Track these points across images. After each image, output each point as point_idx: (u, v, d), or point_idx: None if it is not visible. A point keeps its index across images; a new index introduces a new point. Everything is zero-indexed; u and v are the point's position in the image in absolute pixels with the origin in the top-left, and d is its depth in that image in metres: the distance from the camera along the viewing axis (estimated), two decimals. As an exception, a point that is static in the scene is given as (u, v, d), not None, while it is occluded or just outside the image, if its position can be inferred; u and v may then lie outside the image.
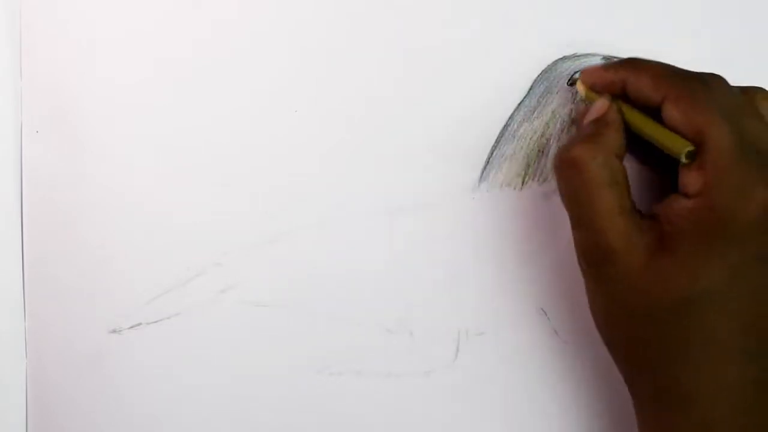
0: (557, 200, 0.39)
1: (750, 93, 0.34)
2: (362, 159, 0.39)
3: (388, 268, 0.39)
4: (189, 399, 0.39)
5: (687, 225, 0.32)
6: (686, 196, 0.33)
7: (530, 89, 0.39)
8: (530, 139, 0.39)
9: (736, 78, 0.39)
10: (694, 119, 0.32)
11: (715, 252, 0.32)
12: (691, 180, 0.32)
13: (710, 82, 0.34)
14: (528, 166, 0.39)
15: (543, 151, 0.39)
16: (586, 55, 0.39)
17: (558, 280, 0.39)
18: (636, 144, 0.35)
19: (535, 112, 0.39)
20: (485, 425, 0.39)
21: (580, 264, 0.35)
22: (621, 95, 0.35)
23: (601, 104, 0.35)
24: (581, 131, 0.35)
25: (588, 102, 0.36)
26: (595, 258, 0.34)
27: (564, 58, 0.39)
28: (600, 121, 0.35)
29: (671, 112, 0.33)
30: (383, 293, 0.39)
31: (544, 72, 0.39)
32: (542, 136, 0.39)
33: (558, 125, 0.39)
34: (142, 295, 0.39)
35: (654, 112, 0.34)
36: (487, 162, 0.39)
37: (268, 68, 0.39)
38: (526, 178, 0.39)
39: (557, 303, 0.39)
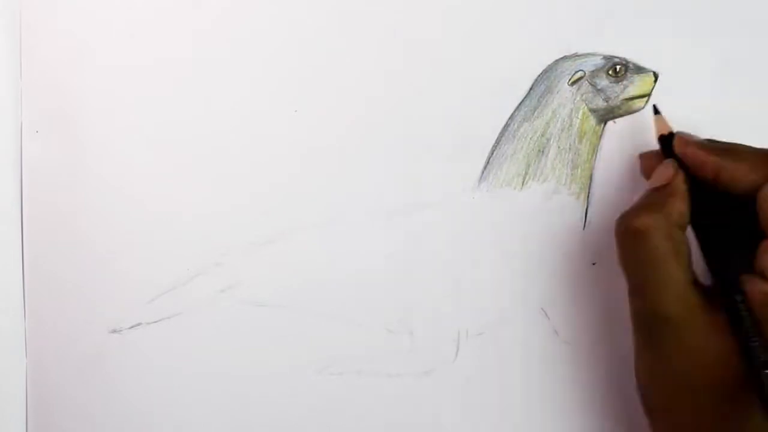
0: (557, 200, 0.39)
1: None
2: (362, 159, 0.39)
3: (388, 269, 0.39)
4: (189, 399, 0.39)
5: (764, 310, 0.31)
6: (764, 278, 0.32)
7: (530, 89, 0.39)
8: (530, 138, 0.39)
9: (735, 78, 0.39)
10: None
11: None
12: None
13: None
14: (528, 165, 0.39)
15: (543, 151, 0.39)
16: (586, 55, 0.39)
17: (558, 280, 0.39)
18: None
19: (536, 112, 0.39)
20: (485, 425, 0.39)
21: (636, 331, 0.34)
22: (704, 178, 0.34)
23: (667, 170, 0.35)
24: (646, 198, 0.35)
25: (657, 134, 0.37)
26: (656, 328, 0.33)
27: (564, 58, 0.39)
28: (666, 190, 0.34)
29: None
30: (383, 293, 0.39)
31: (545, 72, 0.39)
32: (542, 135, 0.39)
33: (558, 125, 0.39)
34: (142, 295, 0.39)
35: (744, 197, 0.33)
36: (487, 162, 0.39)
37: (268, 68, 0.39)
38: (526, 178, 0.39)
39: (557, 303, 0.39)
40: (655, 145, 0.37)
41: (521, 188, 0.39)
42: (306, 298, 0.39)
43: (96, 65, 0.39)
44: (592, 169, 0.39)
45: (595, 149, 0.39)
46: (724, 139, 0.35)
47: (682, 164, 0.35)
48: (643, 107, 0.38)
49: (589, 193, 0.39)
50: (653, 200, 0.34)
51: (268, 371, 0.39)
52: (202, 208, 0.39)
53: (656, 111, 0.37)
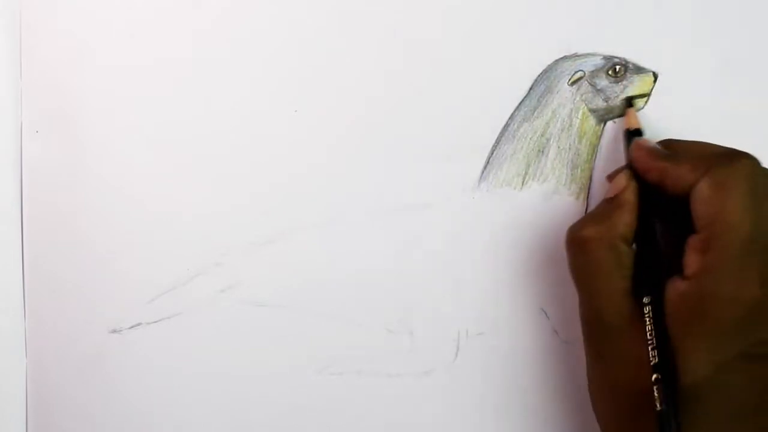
0: (557, 200, 0.39)
1: None
2: (362, 159, 0.39)
3: (388, 268, 0.39)
4: (189, 399, 0.39)
5: (678, 310, 0.32)
6: (684, 277, 0.32)
7: (530, 89, 0.39)
8: (530, 138, 0.39)
9: (735, 78, 0.39)
10: (722, 201, 0.32)
11: (702, 345, 0.32)
12: (692, 259, 0.32)
13: (748, 164, 0.33)
14: (528, 165, 0.39)
15: (543, 151, 0.39)
16: (586, 55, 0.39)
17: (558, 280, 0.39)
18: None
19: (535, 112, 0.39)
20: (485, 425, 0.39)
21: (583, 334, 0.35)
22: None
23: (619, 181, 0.35)
24: (597, 208, 0.36)
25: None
26: (595, 332, 0.34)
27: (564, 58, 0.39)
28: (614, 202, 0.35)
29: (704, 188, 0.32)
30: (383, 293, 0.39)
31: (544, 72, 0.39)
32: (542, 135, 0.39)
33: (558, 125, 0.39)
34: (142, 295, 0.39)
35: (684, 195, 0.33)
36: (487, 162, 0.39)
37: (268, 68, 0.39)
38: (526, 178, 0.39)
39: (557, 303, 0.39)
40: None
41: (521, 188, 0.39)
42: (306, 298, 0.39)
43: (96, 65, 0.39)
44: (592, 169, 0.39)
45: (595, 149, 0.39)
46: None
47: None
48: (643, 107, 0.38)
49: (589, 193, 0.39)
50: (601, 211, 0.35)
51: (268, 371, 0.39)
52: (202, 208, 0.39)
53: (629, 104, 0.38)
